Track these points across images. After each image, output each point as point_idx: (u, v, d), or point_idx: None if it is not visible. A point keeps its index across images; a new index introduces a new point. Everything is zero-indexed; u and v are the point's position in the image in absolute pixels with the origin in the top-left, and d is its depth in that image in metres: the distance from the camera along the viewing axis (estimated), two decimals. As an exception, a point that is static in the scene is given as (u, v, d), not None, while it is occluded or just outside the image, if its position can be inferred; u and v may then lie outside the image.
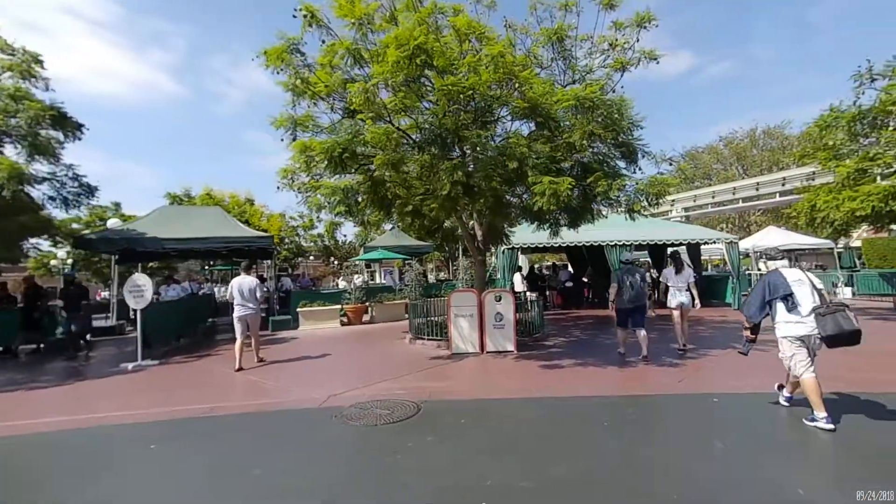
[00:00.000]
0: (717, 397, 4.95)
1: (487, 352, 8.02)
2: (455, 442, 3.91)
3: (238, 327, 7.44)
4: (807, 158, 11.04)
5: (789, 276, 4.18)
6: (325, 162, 6.35)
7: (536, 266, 23.48)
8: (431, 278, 24.06)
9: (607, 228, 15.61)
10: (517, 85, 6.21)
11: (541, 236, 10.73)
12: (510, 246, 14.62)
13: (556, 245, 14.78)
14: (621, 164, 7.73)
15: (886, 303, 14.13)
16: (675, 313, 7.42)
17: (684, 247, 18.05)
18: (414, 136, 6.87)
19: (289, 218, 26.77)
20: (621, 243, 14.04)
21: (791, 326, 4.04)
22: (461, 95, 5.91)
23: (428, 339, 9.04)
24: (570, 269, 17.55)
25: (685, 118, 76.07)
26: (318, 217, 24.42)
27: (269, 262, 16.01)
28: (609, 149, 7.42)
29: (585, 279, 16.34)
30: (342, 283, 19.66)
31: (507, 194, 7.52)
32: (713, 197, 21.82)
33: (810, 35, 70.64)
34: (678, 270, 7.37)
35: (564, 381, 5.97)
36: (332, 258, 30.18)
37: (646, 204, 7.48)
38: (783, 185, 18.06)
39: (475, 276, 9.59)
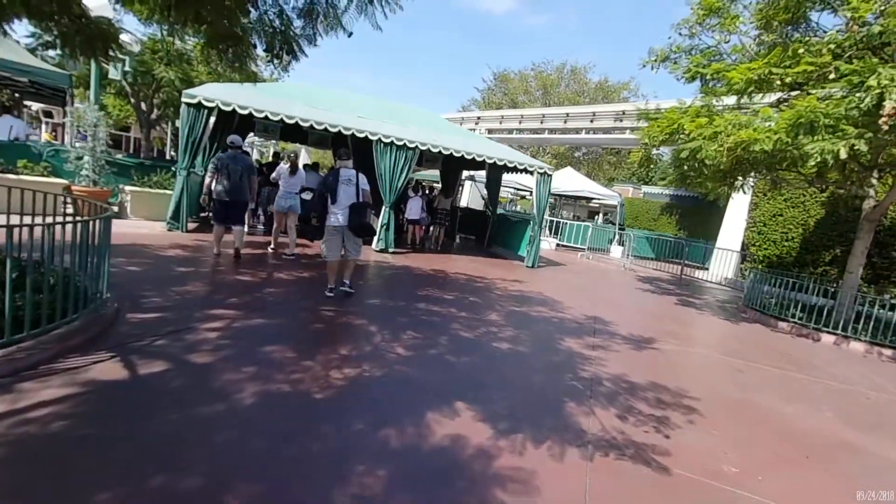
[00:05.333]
0: None
1: None
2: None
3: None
4: (674, 67, 7.22)
5: (343, 175, 4.71)
6: None
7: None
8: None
9: (389, 121, 9.79)
10: None
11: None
12: (193, 101, 7.21)
13: (292, 123, 8.05)
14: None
15: (662, 272, 13.18)
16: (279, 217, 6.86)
17: (482, 172, 14.11)
18: None
19: None
20: (401, 143, 8.38)
21: (331, 217, 4.74)
22: None
23: None
24: (318, 172, 11.19)
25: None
26: None
27: None
28: None
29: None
30: None
31: None
32: (520, 122, 18.56)
33: None
34: (292, 171, 6.73)
35: None
36: None
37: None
38: (591, 120, 15.65)
39: None
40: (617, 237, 15.78)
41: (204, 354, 3.09)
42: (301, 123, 7.84)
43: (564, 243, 16.03)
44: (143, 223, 7.70)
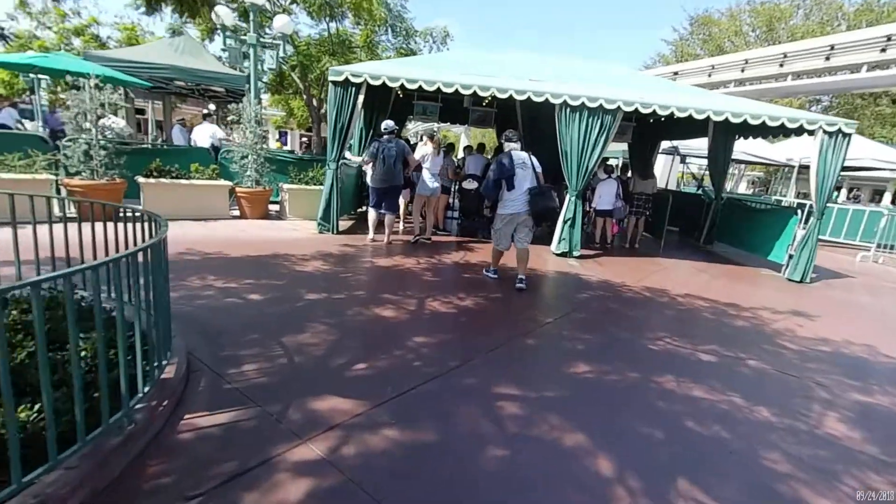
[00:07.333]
0: None
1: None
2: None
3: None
4: None
5: (516, 158, 4.33)
6: None
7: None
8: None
9: (575, 82, 7.31)
10: None
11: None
12: (340, 78, 6.10)
13: (451, 92, 6.35)
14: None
15: None
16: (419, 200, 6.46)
17: (691, 142, 10.37)
18: None
19: None
20: (596, 104, 5.90)
21: (506, 204, 4.37)
22: None
23: None
24: (483, 155, 9.25)
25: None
26: None
27: None
28: None
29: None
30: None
31: None
32: (742, 70, 13.60)
33: None
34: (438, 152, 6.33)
35: None
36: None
37: None
38: (883, 49, 10.06)
39: None
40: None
41: None
42: (461, 90, 6.01)
43: (823, 238, 11.04)
44: (298, 223, 7.06)
